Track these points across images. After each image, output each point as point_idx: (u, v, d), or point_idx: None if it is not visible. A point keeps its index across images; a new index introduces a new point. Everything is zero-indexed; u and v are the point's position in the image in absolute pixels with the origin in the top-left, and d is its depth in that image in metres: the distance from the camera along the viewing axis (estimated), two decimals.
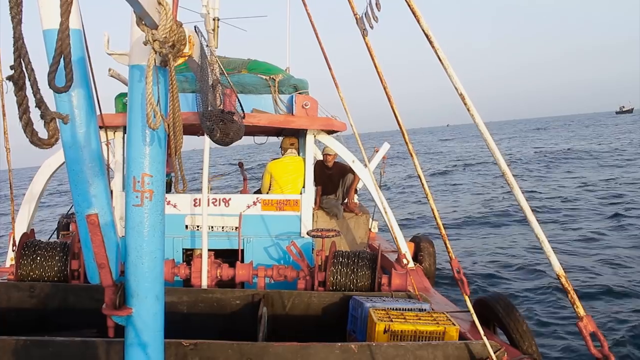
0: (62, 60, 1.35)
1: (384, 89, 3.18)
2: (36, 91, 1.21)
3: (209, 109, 3.38)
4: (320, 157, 7.89)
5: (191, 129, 4.62)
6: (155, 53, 1.86)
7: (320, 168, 7.34)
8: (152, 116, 1.88)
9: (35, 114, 1.26)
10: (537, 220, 2.34)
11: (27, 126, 1.21)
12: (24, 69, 1.20)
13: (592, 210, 16.25)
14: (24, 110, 1.20)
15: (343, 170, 7.50)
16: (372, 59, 3.14)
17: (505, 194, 19.90)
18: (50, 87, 1.29)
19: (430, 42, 2.29)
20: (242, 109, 4.02)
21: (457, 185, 25.32)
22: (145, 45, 1.85)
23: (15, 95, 1.20)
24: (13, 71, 1.20)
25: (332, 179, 7.45)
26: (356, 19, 2.96)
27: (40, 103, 1.22)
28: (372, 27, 2.85)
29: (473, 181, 26.15)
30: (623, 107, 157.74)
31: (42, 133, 1.27)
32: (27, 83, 1.21)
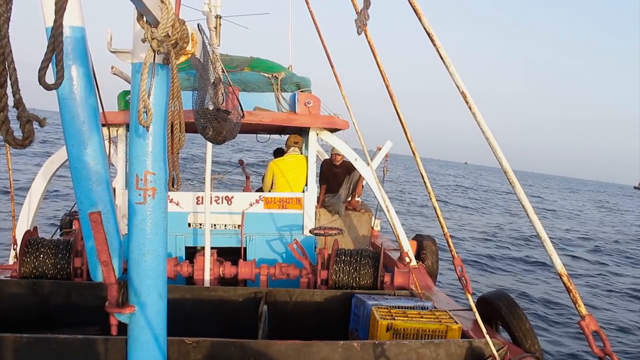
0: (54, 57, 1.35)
1: (387, 87, 3.18)
2: (16, 91, 1.21)
3: (207, 106, 3.37)
4: (324, 156, 7.89)
5: (194, 127, 4.60)
6: (154, 51, 1.86)
7: (328, 167, 7.36)
8: (143, 112, 1.87)
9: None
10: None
11: (3, 124, 1.21)
12: (6, 67, 1.20)
13: None
14: (1, 109, 1.20)
15: (349, 167, 7.50)
16: (374, 55, 3.13)
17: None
18: (40, 84, 1.29)
19: (432, 40, 2.28)
20: (242, 108, 4.01)
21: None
22: (144, 43, 1.85)
23: None
24: None
25: (337, 177, 7.46)
26: (357, 14, 2.96)
27: (18, 103, 1.22)
28: (365, 24, 2.86)
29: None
30: None
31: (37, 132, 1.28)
32: (9, 82, 1.21)
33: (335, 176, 7.41)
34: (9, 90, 1.21)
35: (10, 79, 1.20)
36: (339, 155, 7.28)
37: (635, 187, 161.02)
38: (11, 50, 1.20)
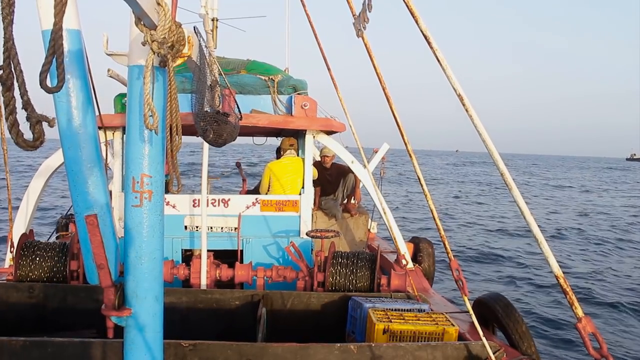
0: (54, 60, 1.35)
1: (383, 89, 3.18)
2: (24, 93, 1.21)
3: (205, 109, 3.37)
4: (319, 158, 7.88)
5: (190, 130, 4.62)
6: (154, 53, 1.86)
7: (319, 169, 7.35)
8: (149, 116, 1.88)
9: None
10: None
11: (13, 127, 1.21)
12: (12, 69, 1.20)
13: None
14: (10, 111, 1.20)
15: (342, 170, 7.50)
16: (371, 58, 3.14)
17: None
18: (41, 87, 1.29)
19: (429, 43, 2.29)
20: (239, 110, 4.01)
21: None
22: (144, 45, 1.85)
23: (3, 95, 1.19)
24: (2, 72, 1.20)
25: (330, 179, 7.45)
26: (354, 18, 2.97)
27: (27, 105, 1.22)
28: (364, 28, 2.86)
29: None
30: (634, 154, 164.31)
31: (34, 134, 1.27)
32: (16, 84, 1.21)
33: (327, 179, 7.41)
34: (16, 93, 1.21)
35: (17, 81, 1.20)
36: (327, 157, 7.28)
37: (627, 159, 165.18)
38: (17, 53, 1.20)
